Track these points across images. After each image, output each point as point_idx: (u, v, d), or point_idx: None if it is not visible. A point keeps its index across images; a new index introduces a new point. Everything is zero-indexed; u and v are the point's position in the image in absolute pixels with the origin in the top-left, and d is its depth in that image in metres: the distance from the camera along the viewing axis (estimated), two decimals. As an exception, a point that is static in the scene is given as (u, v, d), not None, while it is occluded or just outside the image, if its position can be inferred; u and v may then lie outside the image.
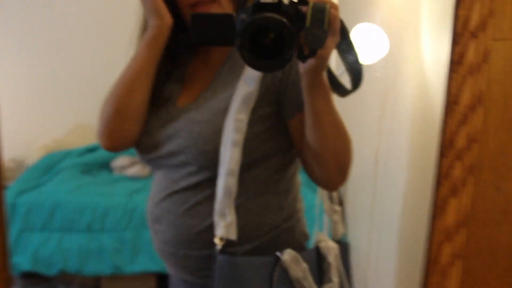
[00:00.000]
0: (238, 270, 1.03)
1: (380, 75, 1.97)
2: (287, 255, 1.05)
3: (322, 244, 1.13)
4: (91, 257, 2.82)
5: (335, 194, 1.21)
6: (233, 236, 1.02)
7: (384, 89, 1.97)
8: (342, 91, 1.06)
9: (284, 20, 0.78)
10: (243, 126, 1.02)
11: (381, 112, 1.98)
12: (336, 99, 1.01)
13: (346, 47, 1.01)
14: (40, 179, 3.17)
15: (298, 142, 1.07)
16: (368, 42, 1.82)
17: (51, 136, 3.63)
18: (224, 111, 1.05)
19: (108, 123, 1.11)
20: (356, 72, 1.02)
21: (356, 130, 2.39)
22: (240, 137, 1.01)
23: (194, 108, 1.10)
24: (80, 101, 3.52)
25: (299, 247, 1.16)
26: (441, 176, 0.63)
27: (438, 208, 0.63)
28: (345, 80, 1.07)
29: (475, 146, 0.62)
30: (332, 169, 1.03)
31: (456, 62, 0.59)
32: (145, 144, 1.14)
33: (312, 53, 0.84)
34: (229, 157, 1.01)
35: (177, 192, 1.12)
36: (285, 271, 1.06)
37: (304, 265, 1.07)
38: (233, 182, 1.02)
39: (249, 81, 1.03)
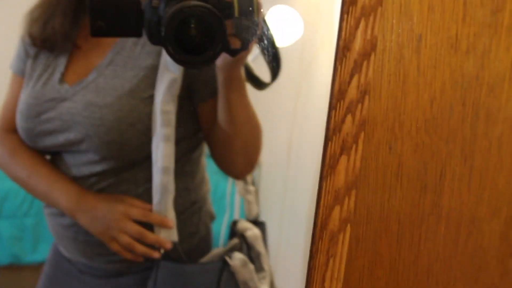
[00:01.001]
0: (183, 277, 0.97)
1: (295, 62, 1.95)
2: (237, 261, 1.02)
3: (248, 234, 1.10)
4: (-13, 245, 2.62)
5: (248, 175, 1.18)
6: (174, 237, 0.96)
7: (299, 75, 1.95)
8: (259, 84, 1.02)
9: (214, 9, 0.69)
10: (172, 118, 0.94)
11: (296, 99, 1.96)
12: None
13: (266, 37, 0.95)
14: None
15: (206, 127, 1.02)
16: (283, 25, 1.78)
17: None
18: (130, 94, 0.95)
19: None
20: (275, 62, 0.98)
21: (269, 117, 2.36)
22: (170, 130, 0.93)
23: (92, 88, 0.98)
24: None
25: (205, 228, 1.11)
26: (331, 131, 0.58)
27: (327, 167, 0.58)
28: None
29: (367, 98, 0.57)
30: (240, 161, 1.01)
31: (349, 2, 0.54)
32: (33, 132, 1.02)
33: (245, 47, 0.77)
34: (162, 154, 0.93)
35: (77, 178, 1.02)
36: (232, 274, 1.01)
37: (251, 267, 1.04)
38: (170, 180, 0.95)
39: (171, 66, 0.93)
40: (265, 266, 1.09)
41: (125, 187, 1.00)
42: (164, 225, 0.93)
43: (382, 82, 0.57)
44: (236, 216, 2.16)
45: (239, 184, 1.18)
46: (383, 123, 0.59)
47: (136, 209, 0.95)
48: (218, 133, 0.97)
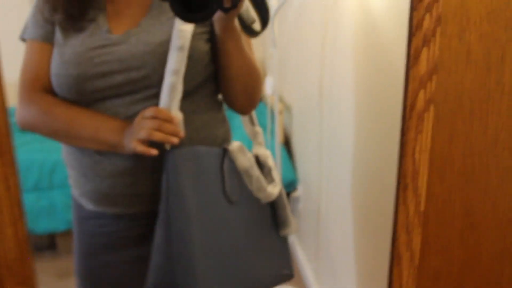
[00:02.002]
0: (192, 158, 1.06)
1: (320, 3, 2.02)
2: (234, 146, 1.13)
3: (260, 153, 1.23)
4: (42, 215, 2.79)
5: (254, 116, 1.29)
6: (181, 133, 1.04)
7: (325, 14, 2.02)
8: (252, 33, 1.15)
9: None
10: (187, 35, 1.05)
11: (323, 38, 2.05)
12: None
13: None
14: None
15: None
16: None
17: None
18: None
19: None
20: (263, 11, 1.10)
21: (299, 62, 2.46)
22: (184, 42, 1.04)
23: (145, 32, 1.09)
24: (10, 58, 3.38)
25: None
26: (414, 28, 0.72)
27: (412, 59, 0.72)
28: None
29: (441, -2, 0.71)
30: (241, 99, 1.15)
31: None
32: (84, 76, 1.07)
33: (234, 6, 0.90)
34: (174, 60, 1.04)
35: (128, 117, 1.09)
36: (233, 163, 1.13)
37: (250, 155, 1.15)
38: (177, 80, 1.04)
39: None
40: (276, 179, 1.19)
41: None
42: (169, 120, 1.00)
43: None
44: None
45: (247, 127, 1.29)
46: (454, 18, 0.74)
47: (149, 110, 1.02)
48: (220, 76, 1.12)
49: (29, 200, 2.79)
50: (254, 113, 1.27)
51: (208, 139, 1.14)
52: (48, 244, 2.95)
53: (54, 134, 1.12)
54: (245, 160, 1.13)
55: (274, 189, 1.18)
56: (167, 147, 1.05)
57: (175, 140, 1.01)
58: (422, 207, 0.80)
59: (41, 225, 2.81)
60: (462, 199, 0.83)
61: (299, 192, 2.61)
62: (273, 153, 2.48)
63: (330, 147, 2.05)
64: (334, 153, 1.99)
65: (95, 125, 1.07)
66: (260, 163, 1.21)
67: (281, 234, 1.25)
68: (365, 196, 1.59)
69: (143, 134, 1.00)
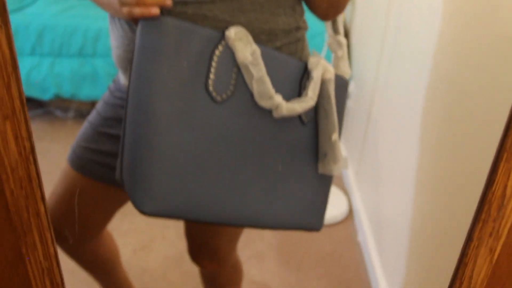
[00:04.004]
0: (168, 35, 0.80)
1: None
2: (232, 31, 0.86)
3: (312, 60, 0.97)
4: (85, 81, 2.77)
5: (340, 23, 1.07)
6: None
7: None
8: None
9: None
10: None
11: None
12: None
13: None
14: (23, 0, 2.96)
15: None
16: None
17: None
18: None
19: None
20: None
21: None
22: None
23: None
24: None
25: None
26: None
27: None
28: None
29: None
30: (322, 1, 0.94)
31: None
32: None
33: None
34: None
35: None
36: (232, 54, 0.87)
37: (255, 47, 0.88)
38: None
39: None
40: (310, 92, 0.94)
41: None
42: None
43: None
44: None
45: (330, 35, 1.07)
46: None
47: None
48: None
49: (73, 65, 2.76)
50: (340, 19, 1.05)
51: (263, 24, 0.93)
52: (90, 111, 2.94)
53: None
54: (246, 53, 0.87)
55: (294, 104, 0.92)
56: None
57: (154, 10, 0.79)
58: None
59: (84, 91, 2.80)
60: None
61: (351, 88, 2.47)
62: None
63: (395, 46, 1.87)
64: (399, 54, 1.81)
65: None
66: (306, 70, 0.97)
67: (320, 170, 1.00)
68: (437, 109, 1.43)
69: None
